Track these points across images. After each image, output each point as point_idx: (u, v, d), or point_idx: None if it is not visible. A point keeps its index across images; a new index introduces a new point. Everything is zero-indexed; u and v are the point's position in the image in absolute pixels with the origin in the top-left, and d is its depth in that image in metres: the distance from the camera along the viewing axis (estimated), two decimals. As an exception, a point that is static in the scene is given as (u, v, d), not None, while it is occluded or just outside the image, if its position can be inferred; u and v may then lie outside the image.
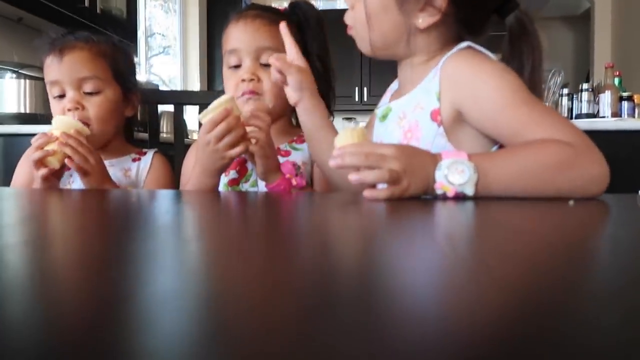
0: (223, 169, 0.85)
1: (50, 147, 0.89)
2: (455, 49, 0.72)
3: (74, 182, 1.00)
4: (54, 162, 0.89)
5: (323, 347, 0.15)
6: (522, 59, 0.74)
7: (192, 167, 0.90)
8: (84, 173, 0.90)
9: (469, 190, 0.59)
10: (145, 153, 1.09)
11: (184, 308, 0.19)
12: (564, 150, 0.60)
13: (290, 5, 1.01)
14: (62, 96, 0.98)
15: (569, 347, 0.15)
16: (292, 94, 0.82)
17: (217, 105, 0.80)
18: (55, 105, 0.99)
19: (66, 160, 0.89)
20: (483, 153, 0.69)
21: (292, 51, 0.83)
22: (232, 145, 0.80)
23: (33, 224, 0.43)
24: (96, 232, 0.41)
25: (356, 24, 0.77)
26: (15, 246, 0.32)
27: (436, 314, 0.19)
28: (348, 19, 0.78)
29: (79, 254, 0.30)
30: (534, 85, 0.73)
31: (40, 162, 0.89)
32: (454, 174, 0.59)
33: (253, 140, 0.83)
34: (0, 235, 0.36)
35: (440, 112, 0.71)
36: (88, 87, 0.98)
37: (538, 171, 0.60)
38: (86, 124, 0.98)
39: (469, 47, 0.73)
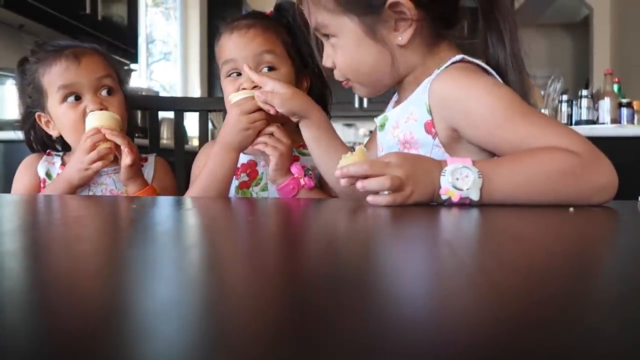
0: (243, 143, 0.88)
1: (105, 146, 0.93)
2: (449, 62, 0.71)
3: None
4: (111, 157, 0.95)
5: (323, 353, 0.15)
6: (499, 29, 0.73)
7: (210, 147, 0.97)
8: (132, 161, 0.94)
9: (474, 195, 0.58)
10: (146, 159, 1.09)
11: (185, 315, 0.19)
12: (569, 158, 0.60)
13: (276, 7, 1.02)
14: (77, 99, 0.97)
15: (570, 354, 0.15)
16: (291, 119, 0.86)
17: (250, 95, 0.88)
18: (69, 110, 0.97)
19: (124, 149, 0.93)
20: (488, 160, 0.69)
21: (269, 83, 0.85)
22: (257, 120, 0.87)
23: (34, 231, 0.43)
24: (99, 238, 0.41)
25: (347, 74, 0.77)
26: (15, 253, 0.32)
27: (436, 320, 0.19)
28: (338, 76, 0.79)
29: (79, 261, 0.30)
30: (516, 58, 0.73)
31: (99, 157, 0.93)
32: (459, 179, 0.58)
33: (269, 130, 0.89)
34: (0, 243, 0.36)
35: (433, 124, 0.71)
36: (106, 87, 0.99)
37: (543, 179, 0.60)
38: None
39: (462, 61, 0.72)
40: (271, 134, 0.88)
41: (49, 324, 0.18)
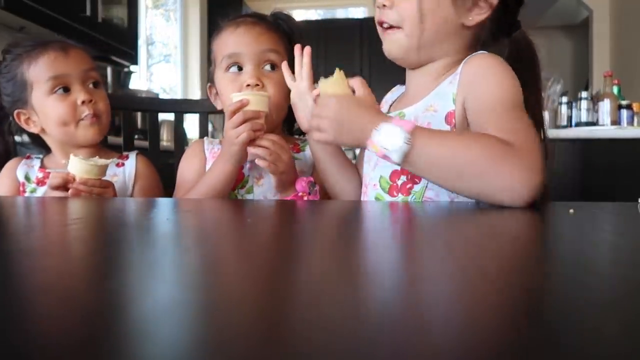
0: (236, 156, 0.87)
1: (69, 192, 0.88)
2: (472, 55, 0.74)
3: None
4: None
5: (322, 355, 0.15)
6: (534, 87, 0.77)
7: (198, 144, 1.02)
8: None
9: (395, 158, 0.62)
10: (127, 157, 1.08)
11: (182, 318, 0.19)
12: (498, 145, 0.61)
13: (272, 16, 1.02)
14: (65, 92, 0.97)
15: (570, 354, 0.15)
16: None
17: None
18: (59, 101, 0.97)
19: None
20: (432, 130, 0.70)
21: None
22: (240, 134, 0.84)
23: (31, 233, 0.43)
24: (95, 240, 0.41)
25: (404, 21, 0.75)
26: (13, 255, 0.32)
27: (435, 322, 0.19)
28: (389, 16, 0.76)
29: (77, 263, 0.30)
30: (537, 117, 0.75)
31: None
32: (387, 139, 0.62)
33: (263, 143, 0.86)
34: None
35: (454, 115, 0.73)
36: (93, 79, 1.00)
37: (466, 158, 0.61)
38: (97, 115, 0.99)
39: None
40: (271, 145, 0.85)
41: (48, 324, 0.18)
